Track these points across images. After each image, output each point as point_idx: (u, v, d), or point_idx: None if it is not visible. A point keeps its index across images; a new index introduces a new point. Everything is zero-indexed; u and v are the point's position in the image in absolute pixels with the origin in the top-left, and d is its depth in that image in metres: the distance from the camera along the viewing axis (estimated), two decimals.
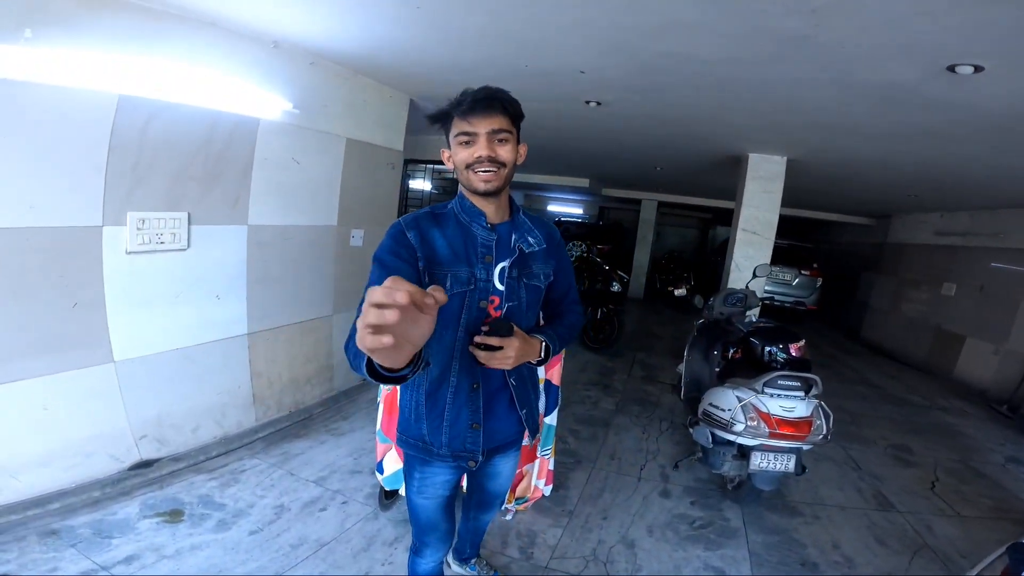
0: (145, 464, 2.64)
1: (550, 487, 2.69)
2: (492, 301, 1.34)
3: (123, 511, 2.32)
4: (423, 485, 1.49)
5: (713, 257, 11.94)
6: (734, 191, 5.43)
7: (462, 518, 1.98)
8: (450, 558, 2.16)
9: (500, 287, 1.35)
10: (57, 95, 2.20)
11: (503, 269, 1.35)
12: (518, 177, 10.32)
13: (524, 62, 2.94)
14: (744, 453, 2.81)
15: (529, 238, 1.40)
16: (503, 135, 1.27)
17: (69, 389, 2.37)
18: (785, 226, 6.52)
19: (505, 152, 1.28)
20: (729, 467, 2.88)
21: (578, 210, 15.83)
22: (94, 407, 2.48)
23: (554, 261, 1.49)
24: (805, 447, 2.76)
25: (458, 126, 1.27)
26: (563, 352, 2.56)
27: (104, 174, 2.42)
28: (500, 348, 1.25)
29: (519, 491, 2.55)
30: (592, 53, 2.69)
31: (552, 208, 15.93)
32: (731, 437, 2.76)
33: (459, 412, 1.39)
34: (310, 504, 2.55)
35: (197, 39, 2.59)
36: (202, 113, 2.69)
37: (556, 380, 2.53)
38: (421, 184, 6.65)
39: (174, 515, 2.33)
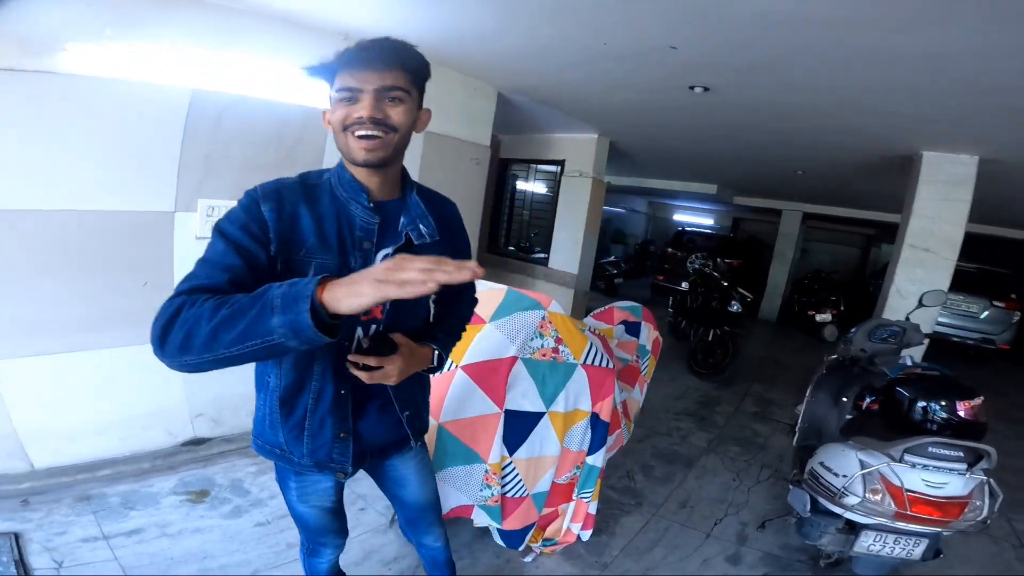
0: (197, 442, 2.72)
1: (588, 532, 2.26)
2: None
3: (158, 485, 2.39)
4: (304, 494, 1.29)
5: (873, 280, 10.13)
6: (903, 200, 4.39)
7: (419, 552, 1.65)
8: None
9: None
10: (135, 90, 2.34)
11: (386, 257, 1.08)
12: (638, 182, 9.72)
13: (600, 40, 2.54)
14: (854, 526, 2.12)
15: (421, 226, 1.14)
16: (396, 93, 1.02)
17: (132, 363, 2.48)
18: (973, 246, 5.16)
19: (397, 114, 1.03)
20: (829, 541, 2.19)
21: (707, 220, 14.57)
22: (155, 382, 2.58)
23: (451, 248, 1.22)
24: (947, 532, 2.00)
25: (340, 79, 1.02)
26: (615, 385, 2.14)
27: (178, 164, 2.53)
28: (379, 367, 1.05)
29: (549, 531, 2.17)
30: (676, 21, 2.21)
31: (679, 217, 14.86)
32: (837, 510, 2.09)
33: (323, 421, 1.15)
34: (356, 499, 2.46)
35: (268, 34, 2.63)
36: (273, 106, 2.73)
37: (605, 415, 2.10)
38: (530, 185, 6.43)
39: (200, 495, 2.35)
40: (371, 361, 1.06)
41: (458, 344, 1.97)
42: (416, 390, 1.32)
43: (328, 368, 1.12)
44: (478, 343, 2.00)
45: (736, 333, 5.55)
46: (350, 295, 0.74)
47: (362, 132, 1.01)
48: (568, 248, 5.70)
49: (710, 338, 5.52)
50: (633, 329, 2.96)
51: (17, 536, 1.98)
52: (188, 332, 0.81)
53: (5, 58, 2.08)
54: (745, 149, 5.03)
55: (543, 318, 2.09)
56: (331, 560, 1.50)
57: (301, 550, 1.51)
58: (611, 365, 2.15)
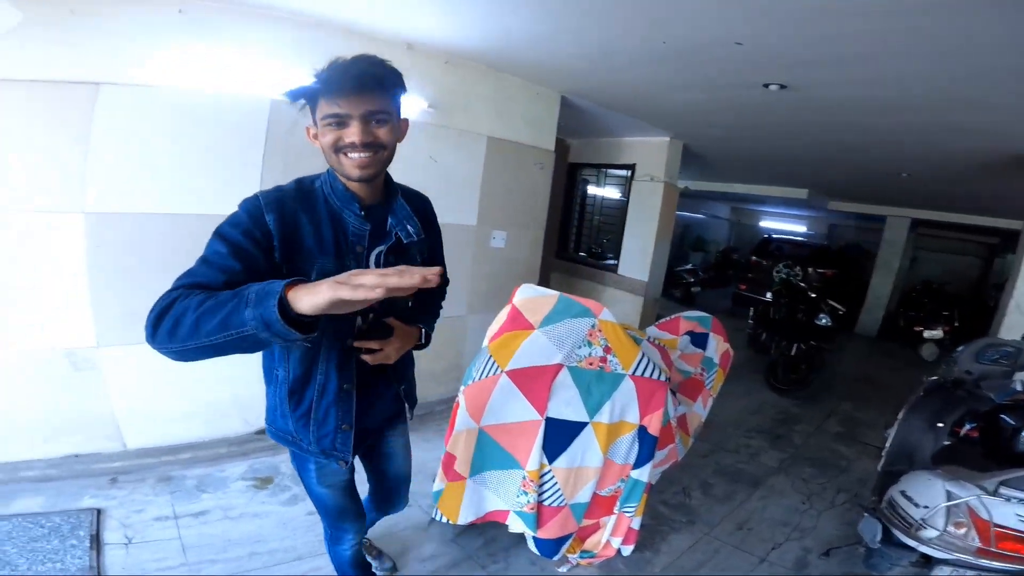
0: (257, 433, 2.93)
1: (630, 547, 2.18)
2: None
3: (230, 470, 2.61)
4: (322, 474, 1.40)
5: (994, 293, 8.95)
6: None
7: (369, 515, 1.76)
8: None
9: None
10: (221, 101, 2.58)
11: (379, 255, 1.25)
12: (721, 187, 9.27)
13: (659, 38, 2.47)
14: (928, 560, 1.89)
15: (408, 226, 1.29)
16: (380, 116, 1.12)
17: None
18: None
19: (384, 134, 1.14)
20: (900, 575, 1.97)
21: (798, 227, 13.58)
22: (237, 372, 2.80)
23: (430, 241, 1.43)
24: None
25: (325, 107, 1.09)
26: (666, 397, 2.06)
27: (260, 170, 2.76)
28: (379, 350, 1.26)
29: (588, 543, 2.12)
30: (736, 16, 2.11)
31: (766, 224, 13.98)
32: (912, 543, 1.87)
33: (327, 412, 1.29)
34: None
35: (337, 45, 2.79)
36: None
37: (654, 429, 2.03)
38: (600, 190, 6.35)
39: (264, 481, 2.52)
40: (373, 344, 1.23)
41: (504, 348, 2.00)
42: (408, 365, 1.50)
43: (332, 364, 1.25)
44: (525, 349, 2.01)
45: (823, 348, 5.14)
46: (309, 294, 0.78)
47: (354, 154, 1.11)
48: (638, 255, 5.55)
49: (793, 352, 5.15)
50: (699, 340, 2.85)
51: (99, 512, 2.22)
52: (176, 321, 0.88)
53: (105, 72, 2.37)
54: (836, 150, 4.65)
55: (593, 326, 2.06)
56: (354, 546, 1.58)
57: (325, 540, 1.61)
58: (664, 378, 2.07)
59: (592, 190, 6.47)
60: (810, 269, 8.50)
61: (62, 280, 2.44)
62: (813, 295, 5.53)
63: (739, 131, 4.42)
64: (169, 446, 2.69)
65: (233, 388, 2.83)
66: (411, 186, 2.59)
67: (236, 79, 2.58)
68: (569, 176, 6.33)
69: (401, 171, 3.14)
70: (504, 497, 2.00)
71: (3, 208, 2.31)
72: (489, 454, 1.97)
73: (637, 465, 2.05)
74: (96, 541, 2.08)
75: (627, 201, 5.67)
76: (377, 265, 1.23)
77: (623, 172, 5.75)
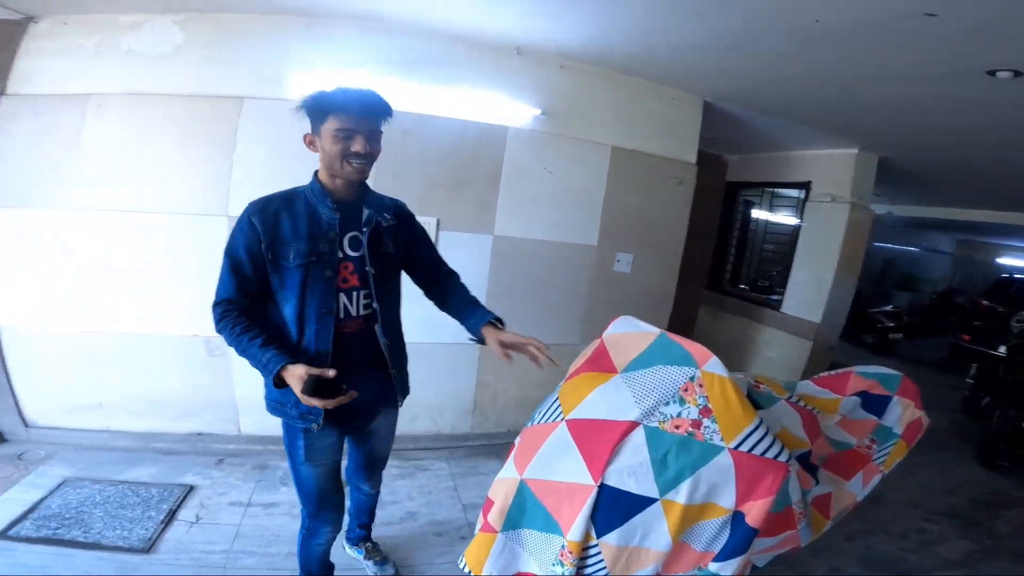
0: None
1: None
2: (347, 267, 1.50)
3: None
4: (311, 451, 1.55)
5: None
6: None
7: (349, 494, 1.94)
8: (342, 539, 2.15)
9: (352, 252, 1.50)
10: None
11: (354, 238, 1.51)
12: (940, 213, 7.45)
13: (811, 14, 1.90)
14: None
15: (385, 213, 1.58)
16: (378, 133, 1.45)
17: None
18: None
19: (376, 147, 1.45)
20: None
21: None
22: None
23: (405, 232, 1.66)
24: None
25: (338, 121, 1.38)
26: (783, 483, 1.49)
27: (372, 182, 2.79)
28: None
29: None
30: None
31: (1006, 260, 10.95)
32: None
33: (312, 357, 1.45)
34: (436, 525, 2.41)
35: (443, 53, 2.77)
36: (452, 123, 2.84)
37: (755, 519, 1.46)
38: (767, 213, 5.48)
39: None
40: (314, 402, 1.30)
41: (575, 392, 1.69)
42: (403, 354, 1.72)
43: (313, 336, 1.46)
44: (597, 396, 1.61)
45: None
46: (288, 378, 1.32)
47: (356, 161, 1.42)
48: (810, 290, 4.60)
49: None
50: (875, 404, 2.13)
51: (191, 489, 2.40)
52: (224, 337, 1.42)
53: (248, 87, 2.63)
54: None
55: (691, 378, 1.57)
56: (327, 540, 1.73)
57: (300, 533, 1.73)
58: (785, 458, 1.50)
59: (756, 213, 5.63)
60: None
61: (205, 274, 2.72)
62: None
63: (958, 138, 3.37)
64: (274, 436, 2.79)
65: None
66: (524, 198, 3.10)
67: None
68: (727, 196, 5.58)
69: (514, 182, 3.02)
70: (539, 561, 1.60)
71: (161, 210, 2.66)
72: (528, 510, 1.59)
73: (721, 557, 1.50)
74: (171, 516, 2.24)
75: (799, 226, 4.77)
76: (353, 247, 1.50)
77: (795, 192, 4.86)
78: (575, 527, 1.51)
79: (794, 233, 4.85)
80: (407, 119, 2.72)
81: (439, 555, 2.25)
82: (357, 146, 1.39)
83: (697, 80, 3.10)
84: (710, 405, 1.53)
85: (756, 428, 1.51)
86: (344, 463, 1.76)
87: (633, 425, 1.52)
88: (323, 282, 1.45)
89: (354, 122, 1.37)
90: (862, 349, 7.46)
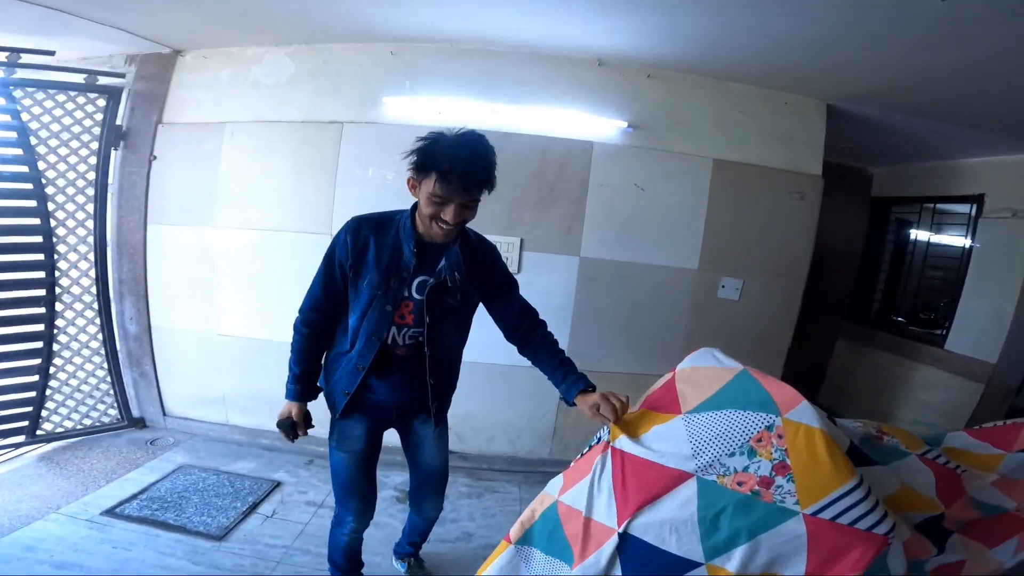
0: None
1: None
2: (407, 305, 1.57)
3: (393, 477, 2.79)
4: (341, 439, 1.69)
5: None
6: None
7: (409, 513, 2.05)
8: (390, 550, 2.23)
9: (417, 296, 1.57)
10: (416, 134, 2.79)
11: (422, 283, 1.56)
12: None
13: None
14: None
15: (455, 272, 1.57)
16: (474, 203, 1.46)
17: None
18: None
19: (469, 215, 1.47)
20: None
21: None
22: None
23: (484, 284, 1.66)
24: None
25: (438, 186, 1.38)
26: (877, 558, 1.17)
27: None
28: None
29: None
30: None
31: None
32: None
33: (340, 379, 1.65)
34: (490, 548, 2.25)
35: (523, 71, 2.76)
36: (534, 140, 2.81)
37: None
38: (927, 233, 4.61)
39: (406, 495, 2.55)
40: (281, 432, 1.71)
41: (631, 424, 1.54)
42: (446, 388, 1.76)
43: (362, 350, 1.59)
44: (653, 436, 1.42)
45: None
46: (287, 406, 1.72)
47: (444, 226, 1.45)
48: (984, 324, 3.75)
49: None
50: None
51: (277, 485, 2.60)
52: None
53: (348, 113, 2.86)
54: None
55: (769, 427, 1.30)
56: (351, 531, 1.80)
57: (332, 522, 1.85)
58: (884, 529, 1.18)
59: (914, 233, 4.76)
60: None
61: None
62: None
63: None
64: None
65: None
66: (614, 218, 3.00)
67: (439, 113, 2.76)
68: (874, 215, 4.81)
69: (601, 200, 2.89)
70: None
71: (281, 228, 2.97)
72: (549, 533, 1.42)
73: None
74: (253, 508, 2.44)
75: (971, 247, 3.94)
76: (419, 292, 1.57)
77: (963, 207, 4.03)
78: (585, 565, 1.34)
79: (964, 256, 4.01)
80: (491, 136, 2.74)
81: None
82: (448, 215, 1.41)
83: (813, 81, 2.71)
84: (788, 461, 1.26)
85: (851, 491, 1.21)
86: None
87: (685, 477, 1.31)
88: (382, 312, 1.56)
89: (451, 191, 1.38)
90: None
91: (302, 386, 1.67)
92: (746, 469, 1.28)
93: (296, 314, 1.65)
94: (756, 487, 1.26)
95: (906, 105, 2.85)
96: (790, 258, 3.11)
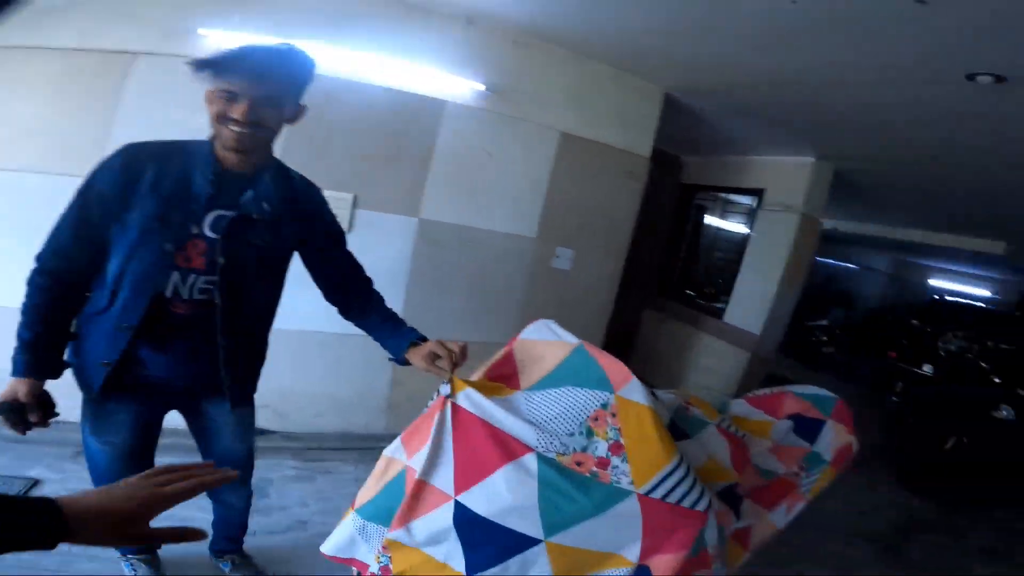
0: (260, 433, 2.57)
1: None
2: (195, 245, 1.26)
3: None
4: (97, 426, 1.41)
5: None
6: None
7: (213, 506, 1.78)
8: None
9: (211, 234, 1.26)
10: None
11: (220, 218, 1.27)
12: (878, 230, 7.60)
13: None
14: None
15: (263, 203, 1.30)
16: (272, 102, 1.20)
17: None
18: None
19: (270, 116, 1.21)
20: None
21: (981, 291, 10.96)
22: None
23: (302, 228, 1.41)
24: None
25: (223, 79, 1.16)
26: (698, 534, 1.26)
27: (281, 148, 2.40)
28: None
29: None
30: None
31: (937, 283, 11.51)
32: None
33: (111, 327, 1.27)
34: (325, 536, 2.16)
35: (383, 19, 2.44)
36: (382, 92, 2.50)
37: (663, 572, 1.23)
38: (720, 220, 5.34)
39: None
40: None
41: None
42: (241, 356, 1.41)
43: (129, 298, 1.25)
44: (495, 407, 1.34)
45: (997, 447, 3.78)
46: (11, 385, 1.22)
47: (235, 128, 1.17)
48: (755, 301, 4.49)
49: (949, 445, 3.89)
50: (808, 429, 1.95)
51: (34, 483, 2.19)
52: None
53: (148, 43, 2.27)
54: None
55: (604, 405, 1.30)
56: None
57: None
58: (703, 506, 1.26)
59: (709, 219, 5.50)
60: (990, 343, 6.57)
61: None
62: (998, 380, 4.11)
63: (920, 151, 3.26)
64: None
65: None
66: (460, 181, 2.76)
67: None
68: (681, 199, 5.42)
69: (448, 161, 2.68)
70: (370, 548, 1.36)
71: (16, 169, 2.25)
72: (385, 491, 1.34)
73: None
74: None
75: (749, 234, 4.65)
76: (214, 229, 1.26)
77: (747, 199, 4.74)
78: (414, 526, 1.26)
79: (743, 241, 4.73)
80: (331, 83, 2.36)
81: (327, 570, 1.96)
82: (236, 112, 1.16)
83: (660, 69, 2.85)
84: (623, 440, 1.27)
85: (675, 469, 1.25)
86: None
87: (526, 449, 1.25)
88: (159, 253, 1.24)
89: (240, 80, 1.15)
90: (795, 361, 7.58)
91: (34, 356, 1.23)
92: (584, 449, 1.27)
93: (33, 264, 1.24)
94: (594, 468, 1.25)
95: (724, 102, 3.17)
96: (616, 232, 3.30)
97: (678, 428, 1.57)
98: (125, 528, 0.66)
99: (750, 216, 4.67)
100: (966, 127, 2.57)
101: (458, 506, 1.24)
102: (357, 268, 1.57)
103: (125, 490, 0.69)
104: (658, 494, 1.24)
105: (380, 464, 1.42)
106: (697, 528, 1.26)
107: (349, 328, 2.50)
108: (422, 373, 3.09)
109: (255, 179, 1.29)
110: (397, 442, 1.41)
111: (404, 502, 1.33)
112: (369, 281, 1.58)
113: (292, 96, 1.25)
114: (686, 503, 1.25)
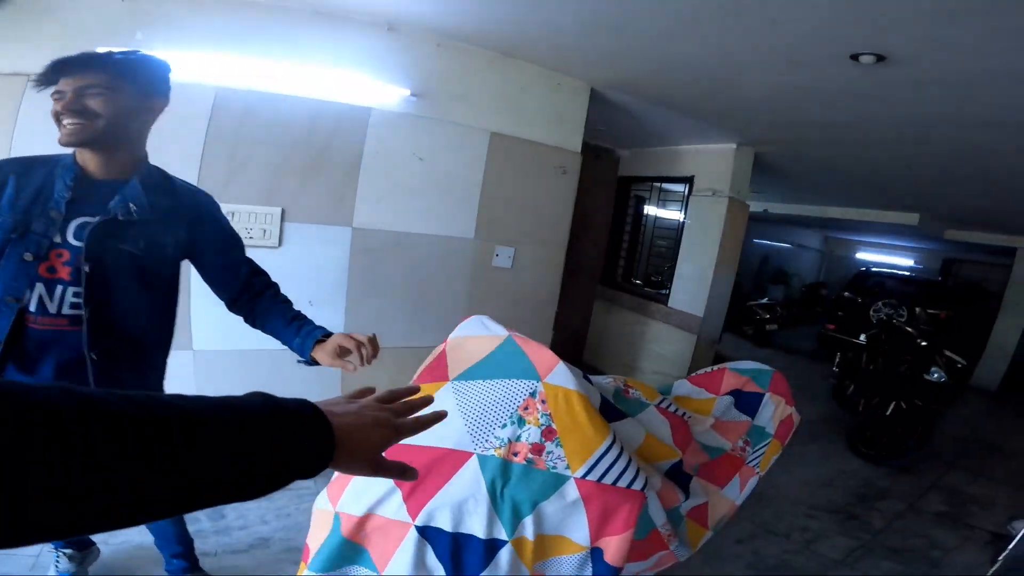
0: None
1: None
2: (60, 255, 1.22)
3: None
4: None
5: None
6: None
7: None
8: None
9: (75, 242, 1.23)
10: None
11: (82, 224, 1.24)
12: (810, 211, 8.04)
13: None
14: None
15: (131, 204, 1.27)
16: (96, 89, 1.19)
17: None
18: None
19: (98, 104, 1.19)
20: None
21: (905, 260, 11.77)
22: (171, 387, 2.39)
23: (185, 232, 1.37)
24: None
25: (54, 87, 1.20)
26: (641, 511, 1.32)
27: (199, 166, 2.33)
28: None
29: None
30: None
31: (864, 256, 12.26)
32: None
33: None
34: (295, 553, 2.05)
35: (301, 30, 2.40)
36: (304, 103, 2.46)
37: (615, 555, 1.28)
38: (658, 208, 5.50)
39: None
40: None
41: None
42: (131, 350, 1.34)
43: None
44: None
45: (932, 410, 4.01)
46: None
47: (66, 120, 1.18)
48: (694, 285, 4.67)
49: (889, 411, 4.09)
50: (748, 403, 2.05)
51: None
52: None
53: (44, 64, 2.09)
54: (960, 158, 3.59)
55: (533, 393, 1.34)
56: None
57: None
58: (640, 485, 1.32)
59: (648, 208, 5.67)
60: (918, 309, 7.05)
61: None
62: (923, 343, 4.39)
63: (825, 131, 3.49)
64: None
65: None
66: (391, 188, 2.75)
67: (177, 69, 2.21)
68: (620, 192, 5.57)
69: (377, 169, 2.67)
70: None
71: None
72: (347, 552, 1.30)
73: None
74: None
75: (683, 221, 4.83)
76: (77, 237, 1.23)
77: (680, 187, 4.92)
78: (391, 566, 1.23)
79: (680, 228, 4.91)
80: (248, 97, 2.32)
81: None
82: (58, 105, 1.18)
83: (582, 65, 2.93)
84: (554, 425, 1.30)
85: (608, 450, 1.30)
86: None
87: (465, 455, 1.27)
88: (18, 263, 1.20)
89: (63, 82, 1.18)
90: (743, 341, 7.90)
91: None
92: (518, 439, 1.29)
93: None
94: (530, 455, 1.28)
95: (646, 94, 3.28)
96: (555, 228, 3.37)
97: (615, 409, 1.62)
98: (375, 455, 0.60)
99: (684, 203, 4.85)
100: (859, 106, 2.76)
101: (420, 530, 1.24)
102: (257, 274, 1.53)
103: (371, 414, 0.61)
104: (594, 476, 1.28)
105: (316, 523, 1.37)
106: (637, 507, 1.31)
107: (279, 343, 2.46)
108: (380, 386, 3.09)
109: (124, 184, 1.27)
110: (323, 494, 1.37)
111: (372, 544, 1.30)
112: (271, 286, 1.54)
113: (127, 84, 1.22)
114: (622, 483, 1.30)
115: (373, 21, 2.52)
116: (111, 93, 1.20)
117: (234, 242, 1.50)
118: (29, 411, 0.35)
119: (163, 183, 1.36)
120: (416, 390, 0.72)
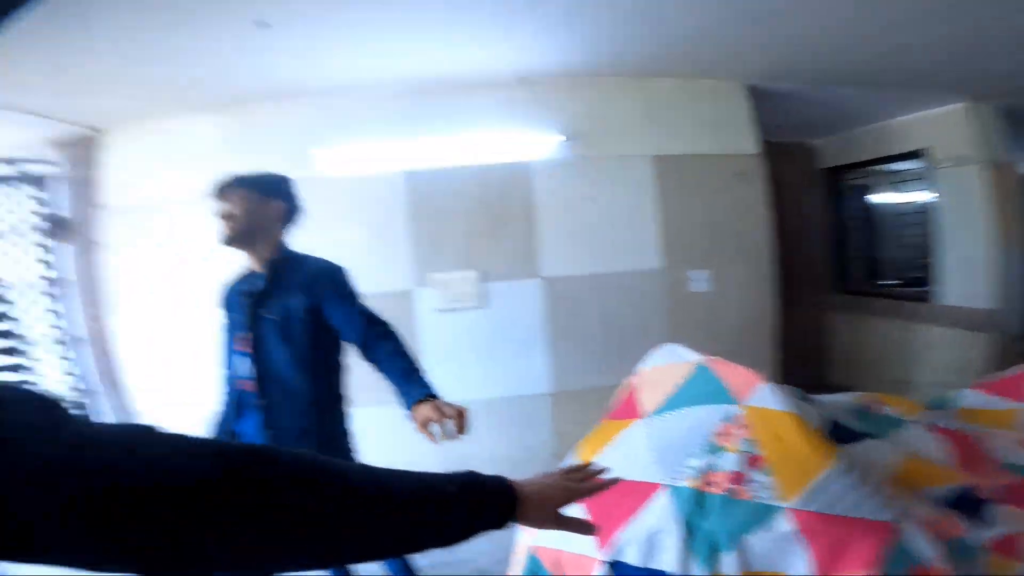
0: None
1: None
2: (245, 336, 1.62)
3: None
4: None
5: None
6: None
7: None
8: None
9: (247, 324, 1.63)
10: (355, 184, 2.79)
11: (262, 317, 1.62)
12: None
13: None
14: None
15: (258, 281, 1.65)
16: (232, 199, 1.59)
17: (389, 420, 2.77)
18: None
19: (231, 207, 1.59)
20: None
21: None
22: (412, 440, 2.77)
23: (307, 295, 1.59)
24: None
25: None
26: (887, 545, 1.09)
27: (410, 243, 2.80)
28: None
29: None
30: None
31: None
32: None
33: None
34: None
35: (443, 103, 2.76)
36: (470, 171, 2.79)
37: None
38: (885, 195, 4.61)
39: None
40: None
41: (590, 445, 1.46)
42: (286, 416, 1.60)
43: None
44: (613, 449, 1.32)
45: None
46: None
47: (221, 236, 1.61)
48: (967, 272, 3.70)
49: None
50: None
51: None
52: None
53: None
54: None
55: (729, 418, 1.22)
56: None
57: None
58: (886, 516, 1.07)
59: (875, 197, 4.78)
60: None
61: None
62: None
63: None
64: None
65: (407, 449, 2.82)
66: (571, 232, 2.96)
67: (367, 163, 2.79)
68: (829, 185, 4.85)
69: (552, 217, 2.85)
70: None
71: None
72: None
73: None
74: None
75: (930, 202, 3.94)
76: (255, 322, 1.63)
77: (908, 164, 4.08)
78: None
79: (926, 210, 4.01)
80: (428, 176, 2.76)
81: None
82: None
83: (732, 64, 2.77)
84: (759, 451, 1.16)
85: (835, 476, 1.10)
86: None
87: (653, 487, 1.20)
88: (229, 346, 1.70)
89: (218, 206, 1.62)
90: None
91: None
92: (713, 468, 1.18)
93: None
94: (731, 485, 1.16)
95: (820, 73, 2.91)
96: (750, 239, 3.08)
97: (850, 430, 1.40)
98: (554, 512, 0.73)
99: (922, 181, 3.98)
100: None
101: (611, 565, 1.20)
102: (379, 322, 1.60)
103: (558, 481, 0.76)
104: (816, 506, 1.10)
105: (516, 558, 1.39)
106: (880, 542, 1.07)
107: (494, 392, 2.72)
108: (589, 427, 3.11)
109: (276, 274, 1.63)
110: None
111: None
112: (394, 333, 1.59)
113: (244, 196, 1.59)
114: (859, 513, 1.08)
115: (499, 80, 2.75)
116: (239, 203, 1.59)
117: (349, 294, 1.63)
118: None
119: (295, 259, 1.68)
120: (600, 470, 0.82)
